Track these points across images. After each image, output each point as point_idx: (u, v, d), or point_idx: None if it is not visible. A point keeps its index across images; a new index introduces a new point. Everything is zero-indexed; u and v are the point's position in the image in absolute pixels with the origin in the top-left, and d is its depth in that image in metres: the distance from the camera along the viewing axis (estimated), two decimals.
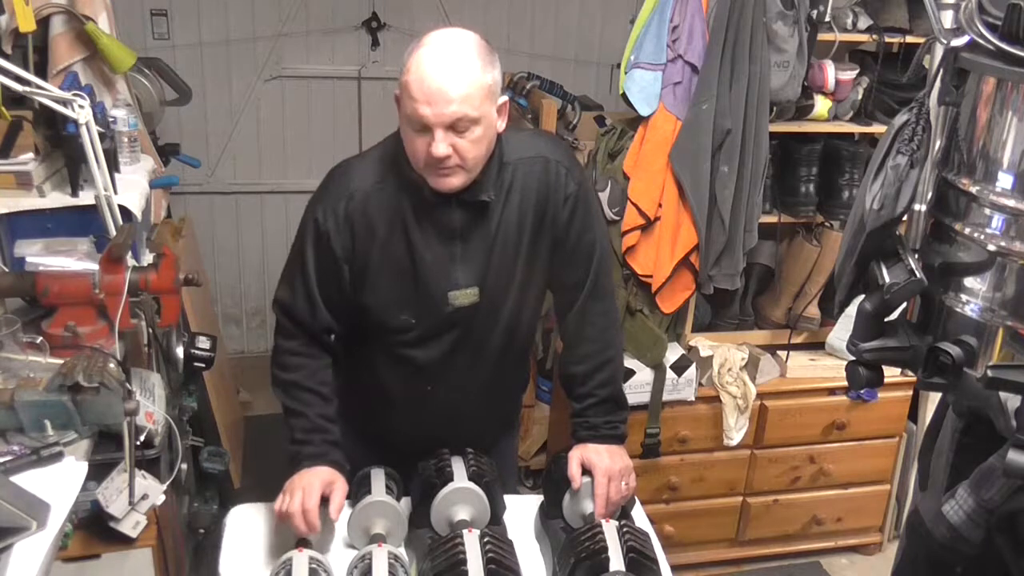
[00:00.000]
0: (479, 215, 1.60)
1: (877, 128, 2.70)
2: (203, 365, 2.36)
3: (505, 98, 1.55)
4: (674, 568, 1.63)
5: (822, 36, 2.56)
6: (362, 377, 1.74)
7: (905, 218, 1.32)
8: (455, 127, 1.46)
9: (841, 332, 2.76)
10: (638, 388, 2.61)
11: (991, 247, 1.21)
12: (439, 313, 1.64)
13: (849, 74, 2.63)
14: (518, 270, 1.66)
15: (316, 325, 1.65)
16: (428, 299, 1.63)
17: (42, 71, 2.13)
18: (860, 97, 2.69)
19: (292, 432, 1.64)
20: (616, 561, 1.42)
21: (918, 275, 1.26)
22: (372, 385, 1.75)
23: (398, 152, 1.58)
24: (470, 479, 1.59)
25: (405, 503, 1.67)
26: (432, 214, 1.59)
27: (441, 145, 1.46)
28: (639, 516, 1.74)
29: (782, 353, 2.83)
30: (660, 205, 2.52)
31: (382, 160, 1.62)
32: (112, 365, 1.62)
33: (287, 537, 1.55)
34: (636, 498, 1.77)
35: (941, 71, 1.25)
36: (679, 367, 2.66)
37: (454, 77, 1.44)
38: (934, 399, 2.46)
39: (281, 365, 1.67)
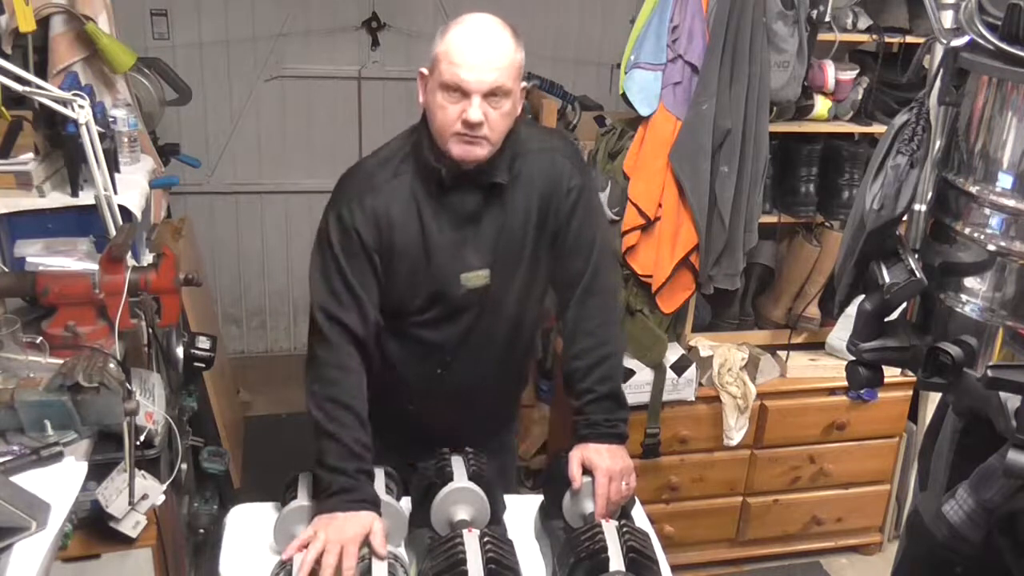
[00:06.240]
0: (491, 200, 1.65)
1: (877, 128, 2.70)
2: (203, 365, 2.36)
3: (526, 83, 1.62)
4: (674, 568, 1.63)
5: (822, 36, 2.56)
6: (373, 362, 1.73)
7: (905, 218, 1.32)
8: (491, 96, 1.52)
9: (841, 332, 2.76)
10: (638, 388, 2.61)
11: (991, 247, 1.22)
12: (452, 295, 1.67)
13: (849, 74, 2.63)
14: (524, 258, 1.70)
15: (363, 325, 1.62)
16: (442, 281, 1.66)
17: (42, 71, 2.14)
18: (860, 97, 2.69)
19: (324, 455, 1.55)
20: (616, 561, 1.42)
21: (918, 275, 1.26)
22: (383, 369, 1.75)
23: (414, 142, 1.64)
24: (470, 479, 1.59)
25: (405, 503, 1.67)
26: (447, 198, 1.63)
27: (477, 110, 1.51)
28: (639, 516, 1.74)
29: (782, 353, 2.83)
30: (660, 205, 2.52)
31: (395, 155, 1.67)
32: (112, 365, 1.62)
33: (287, 537, 1.54)
34: (636, 498, 1.77)
35: (941, 71, 1.26)
36: (679, 367, 2.66)
37: (495, 47, 1.53)
38: (934, 399, 2.46)
39: (321, 379, 1.60)
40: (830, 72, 2.60)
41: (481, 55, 1.51)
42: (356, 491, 1.53)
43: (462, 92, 1.52)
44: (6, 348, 1.63)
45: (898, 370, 2.52)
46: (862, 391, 2.78)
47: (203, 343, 2.34)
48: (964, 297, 1.26)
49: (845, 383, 1.58)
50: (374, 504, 1.54)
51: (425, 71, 1.59)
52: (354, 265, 1.61)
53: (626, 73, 2.50)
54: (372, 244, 1.61)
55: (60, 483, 1.35)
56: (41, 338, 1.71)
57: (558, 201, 1.69)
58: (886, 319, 1.33)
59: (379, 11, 3.89)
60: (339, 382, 1.60)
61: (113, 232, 1.91)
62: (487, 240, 1.66)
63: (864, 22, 2.64)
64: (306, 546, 1.46)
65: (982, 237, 1.23)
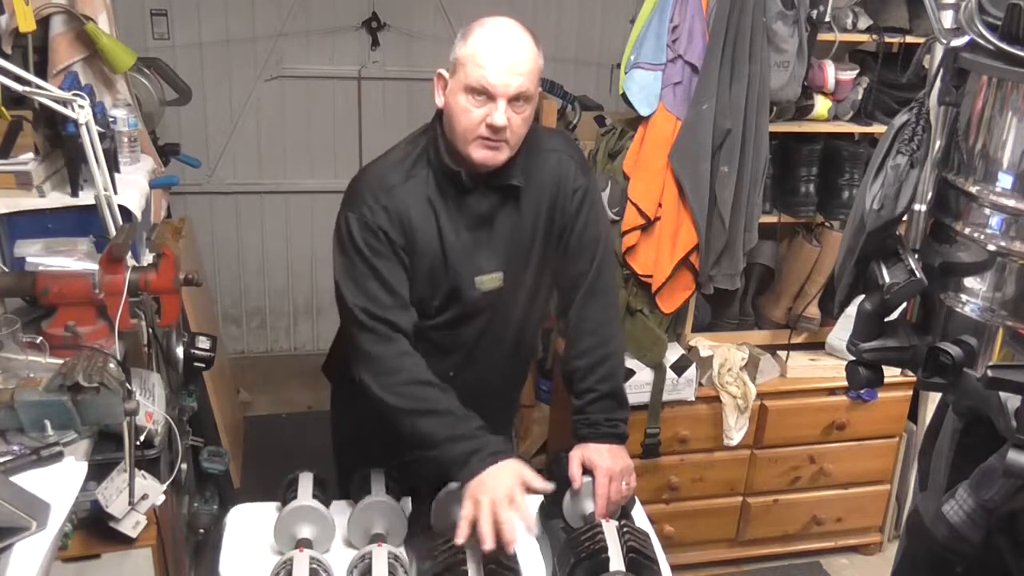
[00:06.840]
0: (505, 201, 1.65)
1: (877, 128, 2.70)
2: (203, 365, 2.36)
3: (540, 88, 1.63)
4: (674, 568, 1.63)
5: (822, 36, 2.56)
6: None
7: (905, 218, 1.32)
8: (515, 101, 1.53)
9: (841, 332, 2.76)
10: (638, 388, 2.61)
11: (991, 247, 1.22)
12: (468, 298, 1.67)
13: (849, 74, 2.63)
14: (533, 259, 1.71)
15: (405, 319, 1.61)
16: (457, 285, 1.66)
17: (42, 71, 2.13)
18: (860, 97, 2.68)
19: (431, 433, 1.54)
20: (616, 561, 1.42)
21: (918, 275, 1.26)
22: None
23: (427, 144, 1.63)
24: None
25: (405, 503, 1.67)
26: (463, 201, 1.63)
27: (502, 115, 1.52)
28: (639, 516, 1.74)
29: (782, 353, 2.83)
30: (660, 205, 2.52)
31: (406, 158, 1.66)
32: (112, 365, 1.61)
33: (287, 537, 1.55)
34: (636, 498, 1.77)
35: (941, 71, 1.26)
36: (679, 367, 2.66)
37: (520, 52, 1.55)
38: (934, 399, 2.46)
39: (385, 371, 1.58)
40: (830, 72, 2.60)
41: (507, 59, 1.52)
42: (486, 447, 1.52)
43: (488, 95, 1.52)
44: (6, 348, 1.63)
45: (898, 370, 2.52)
46: (862, 391, 2.78)
47: (203, 343, 2.34)
48: (964, 297, 1.26)
49: (845, 383, 1.58)
50: (508, 452, 1.54)
51: (444, 72, 1.59)
52: (384, 263, 1.60)
53: (626, 73, 2.50)
54: (399, 242, 1.61)
55: (60, 483, 1.35)
56: (41, 338, 1.71)
57: (564, 201, 1.70)
58: (886, 319, 1.33)
59: (379, 11, 3.88)
60: (406, 367, 1.59)
61: (113, 232, 1.91)
62: (501, 242, 1.67)
63: (864, 22, 2.63)
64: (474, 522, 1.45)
65: (982, 237, 1.23)
